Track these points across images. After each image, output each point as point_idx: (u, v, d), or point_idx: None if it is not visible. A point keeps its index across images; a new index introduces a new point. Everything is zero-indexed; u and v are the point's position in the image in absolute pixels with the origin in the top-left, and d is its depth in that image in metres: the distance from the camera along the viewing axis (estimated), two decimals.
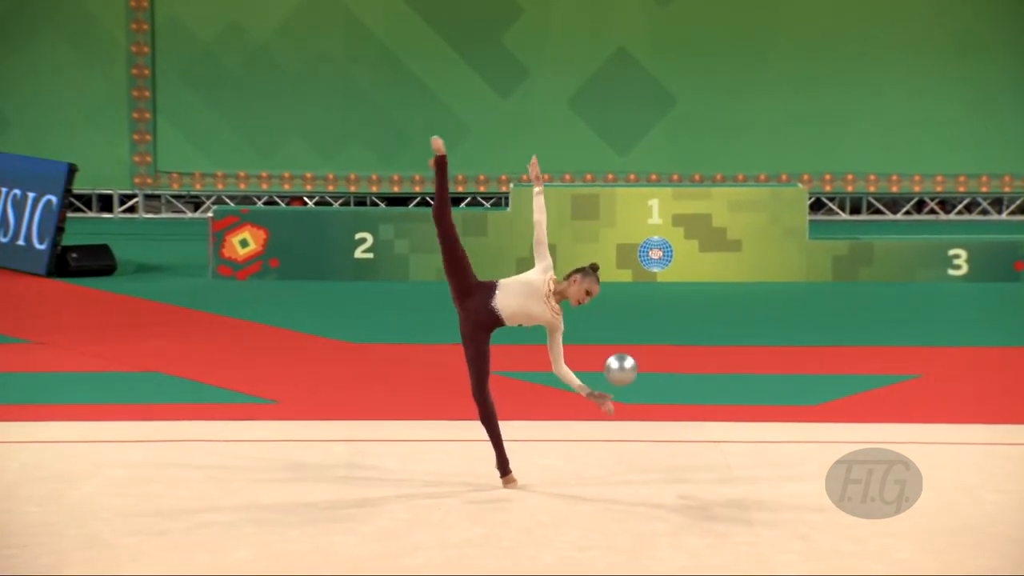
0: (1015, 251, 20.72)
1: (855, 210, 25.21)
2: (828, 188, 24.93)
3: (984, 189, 24.85)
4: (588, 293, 11.09)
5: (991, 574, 9.80)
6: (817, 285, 20.54)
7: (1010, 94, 24.38)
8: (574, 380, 11.21)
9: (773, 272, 20.76)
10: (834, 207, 25.15)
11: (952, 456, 12.79)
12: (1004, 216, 24.93)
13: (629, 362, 11.09)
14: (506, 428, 11.58)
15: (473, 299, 11.18)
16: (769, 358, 16.67)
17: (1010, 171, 24.74)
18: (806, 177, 24.30)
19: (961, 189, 24.90)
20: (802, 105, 24.65)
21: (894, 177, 24.90)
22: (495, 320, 11.20)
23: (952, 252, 20.84)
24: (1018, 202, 24.99)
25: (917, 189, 24.92)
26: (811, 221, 21.47)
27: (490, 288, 11.18)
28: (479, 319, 11.17)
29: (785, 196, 21.14)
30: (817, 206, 24.65)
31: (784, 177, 24.23)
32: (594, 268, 11.16)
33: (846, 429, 13.62)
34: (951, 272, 20.70)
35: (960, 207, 25.12)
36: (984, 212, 25.07)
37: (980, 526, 10.96)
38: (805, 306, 19.46)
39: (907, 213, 25.16)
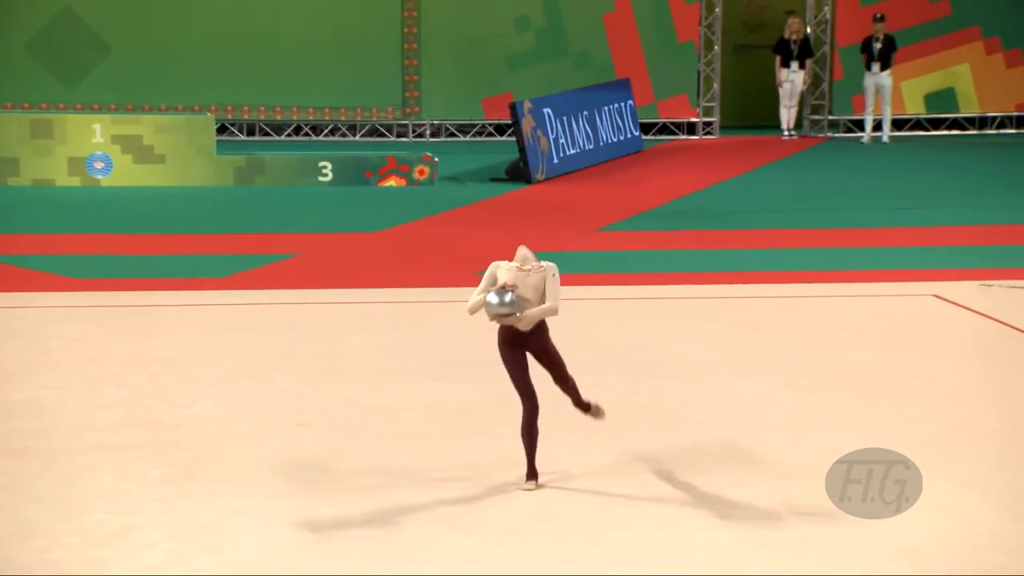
0: (365, 163, 21.28)
1: (251, 133, 25.37)
2: (230, 116, 25.02)
3: (343, 117, 25.37)
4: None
5: None
6: (223, 189, 20.63)
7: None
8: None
9: (190, 179, 20.75)
10: (235, 131, 25.25)
11: (328, 312, 13.22)
12: (358, 138, 25.51)
13: (508, 297, 8.41)
14: None
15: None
16: (188, 243, 16.71)
17: (360, 104, 25.30)
18: (213, 108, 24.28)
19: (327, 117, 25.35)
20: (214, 54, 24.60)
21: (278, 108, 25.17)
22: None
23: (321, 164, 21.21)
24: (367, 127, 25.62)
25: (295, 117, 25.25)
26: (218, 141, 21.52)
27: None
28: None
29: (198, 122, 21.16)
30: (222, 130, 24.66)
31: (197, 107, 24.13)
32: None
33: (250, 295, 13.89)
34: (321, 179, 21.08)
35: (327, 131, 25.57)
36: (344, 135, 25.60)
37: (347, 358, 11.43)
38: (214, 205, 19.52)
39: (289, 136, 25.46)
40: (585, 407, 8.85)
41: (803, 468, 8.91)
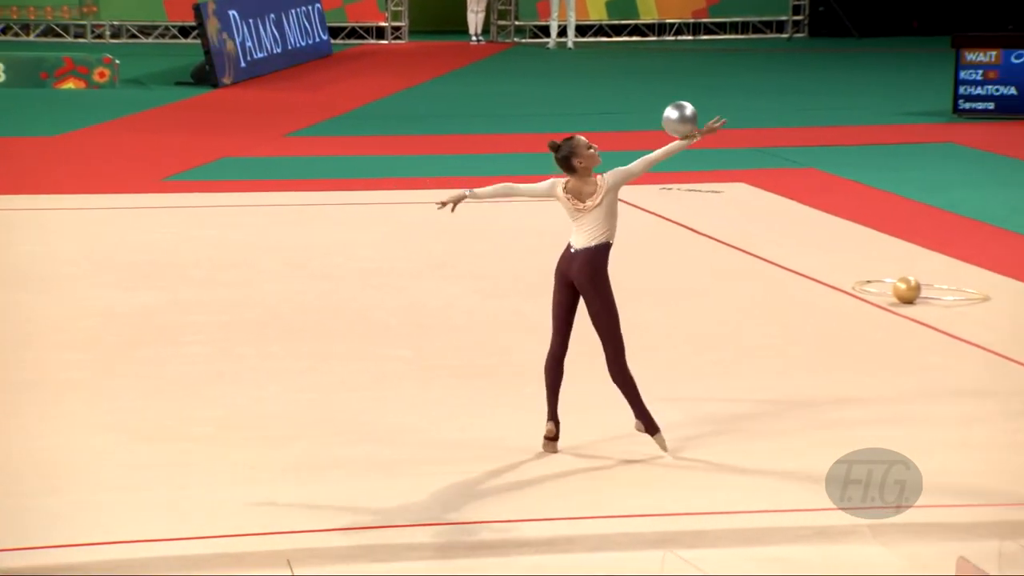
0: (40, 64, 20.54)
1: None
2: None
3: (15, 16, 24.40)
4: (589, 147, 7.42)
5: None
6: None
7: None
8: (665, 149, 7.45)
9: None
10: None
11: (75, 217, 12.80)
12: (32, 38, 24.56)
13: (689, 110, 7.50)
14: None
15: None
16: None
17: (33, 3, 24.34)
18: None
19: None
20: None
21: None
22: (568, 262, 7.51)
23: None
24: (42, 27, 24.67)
25: None
26: None
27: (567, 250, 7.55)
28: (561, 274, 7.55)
29: None
30: None
31: None
32: (554, 148, 7.45)
33: None
34: None
35: None
36: (16, 34, 24.62)
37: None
38: None
39: None
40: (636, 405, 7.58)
41: (493, 368, 9.03)
